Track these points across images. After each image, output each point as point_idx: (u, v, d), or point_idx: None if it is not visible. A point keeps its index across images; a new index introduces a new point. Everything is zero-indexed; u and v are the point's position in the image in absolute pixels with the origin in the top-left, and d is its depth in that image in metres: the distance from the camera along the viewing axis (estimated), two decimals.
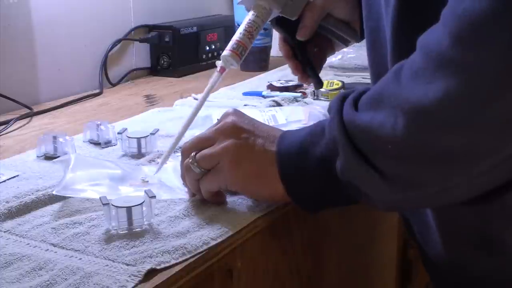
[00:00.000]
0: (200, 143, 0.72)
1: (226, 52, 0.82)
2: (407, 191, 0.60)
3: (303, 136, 0.68)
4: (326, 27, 0.96)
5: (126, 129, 0.92)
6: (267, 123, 0.98)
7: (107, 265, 0.59)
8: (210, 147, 0.71)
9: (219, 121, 0.73)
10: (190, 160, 0.71)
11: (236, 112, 0.73)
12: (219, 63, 0.81)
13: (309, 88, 1.26)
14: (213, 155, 0.70)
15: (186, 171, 0.73)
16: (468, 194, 0.59)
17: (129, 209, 0.66)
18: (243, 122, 0.72)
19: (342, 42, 0.98)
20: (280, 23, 0.94)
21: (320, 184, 0.66)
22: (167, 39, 1.49)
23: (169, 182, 0.79)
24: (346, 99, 0.64)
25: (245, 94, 1.27)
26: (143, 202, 0.66)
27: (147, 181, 0.79)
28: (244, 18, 0.87)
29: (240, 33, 0.84)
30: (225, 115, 0.73)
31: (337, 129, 0.62)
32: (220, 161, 0.70)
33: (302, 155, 0.67)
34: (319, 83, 0.96)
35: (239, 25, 1.54)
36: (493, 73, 0.51)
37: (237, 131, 0.70)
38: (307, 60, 0.95)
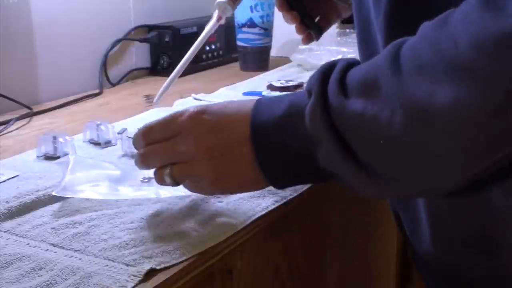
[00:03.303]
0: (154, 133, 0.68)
1: None
2: (391, 185, 0.58)
3: (278, 118, 0.61)
4: None
5: (126, 129, 0.92)
6: None
7: (107, 265, 0.59)
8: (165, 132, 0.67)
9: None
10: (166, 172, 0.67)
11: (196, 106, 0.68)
12: (215, 13, 0.83)
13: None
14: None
15: (159, 181, 0.69)
16: (454, 189, 0.57)
17: None
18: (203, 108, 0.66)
19: (342, 1, 0.94)
20: None
21: (296, 163, 0.62)
22: (167, 39, 1.49)
23: None
24: (329, 79, 0.58)
25: (245, 94, 1.27)
26: None
27: (147, 181, 0.79)
28: None
29: None
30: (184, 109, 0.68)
31: (321, 120, 0.57)
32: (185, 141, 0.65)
33: (278, 144, 0.62)
34: (319, 32, 0.93)
35: (239, 25, 1.53)
36: (509, 86, 0.48)
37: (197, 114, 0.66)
38: (303, 10, 0.91)
